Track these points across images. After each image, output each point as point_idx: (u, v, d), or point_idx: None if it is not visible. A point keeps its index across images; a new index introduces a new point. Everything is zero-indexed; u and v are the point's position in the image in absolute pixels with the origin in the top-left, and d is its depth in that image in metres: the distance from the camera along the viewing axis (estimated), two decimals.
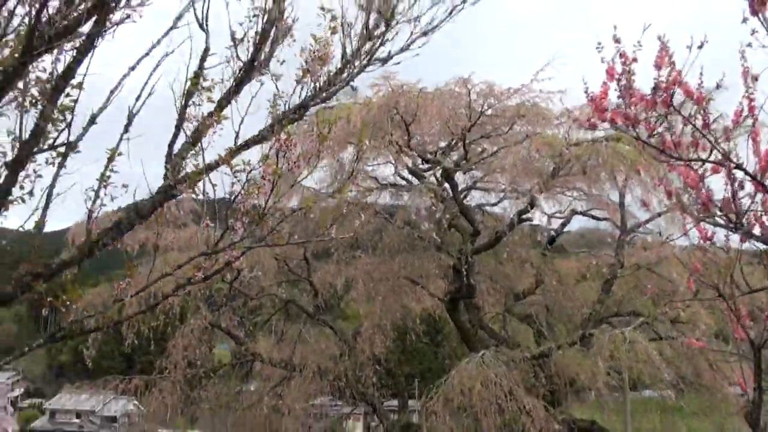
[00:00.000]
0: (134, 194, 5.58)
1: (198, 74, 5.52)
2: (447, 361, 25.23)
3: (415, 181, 21.14)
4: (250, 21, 5.93)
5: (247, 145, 5.66)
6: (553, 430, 15.21)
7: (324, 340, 22.30)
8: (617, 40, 5.34)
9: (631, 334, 15.06)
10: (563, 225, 22.33)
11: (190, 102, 5.55)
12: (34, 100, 5.05)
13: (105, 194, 5.50)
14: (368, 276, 21.90)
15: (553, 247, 22.49)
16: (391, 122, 18.35)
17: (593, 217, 21.73)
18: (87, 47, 4.82)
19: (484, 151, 20.33)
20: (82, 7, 4.59)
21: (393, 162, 20.32)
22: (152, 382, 21.10)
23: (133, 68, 5.57)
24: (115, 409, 76.24)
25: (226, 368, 22.58)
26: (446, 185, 20.04)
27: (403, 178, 21.77)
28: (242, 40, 5.94)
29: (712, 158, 5.73)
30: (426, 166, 20.70)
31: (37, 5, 4.33)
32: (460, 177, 20.91)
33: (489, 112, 19.04)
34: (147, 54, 5.60)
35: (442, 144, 20.66)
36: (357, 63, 6.00)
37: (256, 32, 5.94)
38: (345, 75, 5.91)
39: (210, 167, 5.55)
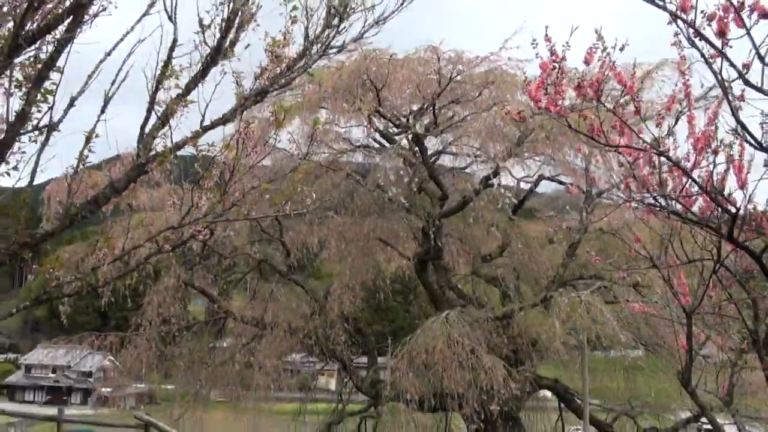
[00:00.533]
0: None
1: (167, 64, 6.08)
2: (417, 320, 25.97)
3: (386, 144, 21.69)
4: (217, 9, 6.46)
5: (212, 126, 6.24)
6: (510, 387, 16.00)
7: (295, 298, 22.87)
8: (548, 39, 5.92)
9: (588, 296, 15.87)
10: (531, 190, 23.05)
11: (160, 87, 6.11)
12: (19, 84, 5.59)
13: (83, 170, 6.09)
14: (340, 236, 22.49)
15: (521, 210, 23.13)
16: (362, 87, 18.89)
17: (560, 182, 22.36)
18: (67, 40, 5.36)
19: (454, 116, 20.93)
20: (61, 8, 5.12)
21: (365, 125, 20.82)
22: (127, 338, 21.68)
23: (108, 54, 6.11)
24: (91, 365, 77.16)
25: (200, 325, 23.24)
26: (416, 149, 20.60)
27: (375, 140, 22.32)
28: (209, 26, 6.48)
29: (642, 144, 6.32)
30: (397, 130, 21.23)
31: (21, 10, 4.87)
32: (431, 141, 21.53)
33: (458, 78, 19.57)
34: (121, 40, 6.14)
35: (415, 107, 21.16)
36: (315, 50, 6.58)
37: (222, 19, 6.48)
38: (302, 63, 6.49)
39: (177, 146, 6.14)
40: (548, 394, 23.95)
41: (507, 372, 16.50)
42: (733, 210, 5.79)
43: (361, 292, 23.04)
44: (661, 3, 5.26)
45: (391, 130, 21.44)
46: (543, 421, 24.93)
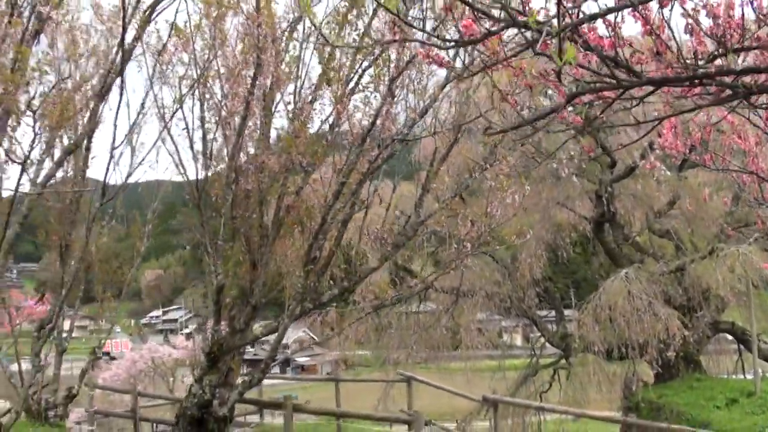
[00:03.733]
0: None
1: None
2: (597, 275, 28.91)
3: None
4: None
5: None
6: (685, 335, 19.03)
7: (486, 266, 26.25)
8: None
9: (746, 249, 18.67)
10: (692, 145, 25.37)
11: None
12: None
13: None
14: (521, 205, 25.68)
15: (688, 161, 25.49)
16: None
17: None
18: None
19: None
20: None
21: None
22: (346, 313, 25.75)
23: None
24: (287, 337, 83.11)
25: (408, 296, 27.08)
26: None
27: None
28: None
29: None
30: None
31: None
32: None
33: None
34: None
35: None
36: None
37: None
38: None
39: None
40: (730, 336, 26.45)
41: (681, 321, 19.48)
42: None
43: (544, 253, 26.21)
44: None
45: None
46: (725, 362, 27.53)
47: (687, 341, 19.93)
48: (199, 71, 10.63)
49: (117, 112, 13.91)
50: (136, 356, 36.38)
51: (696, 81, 3.68)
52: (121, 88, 11.85)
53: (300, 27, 10.85)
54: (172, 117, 11.84)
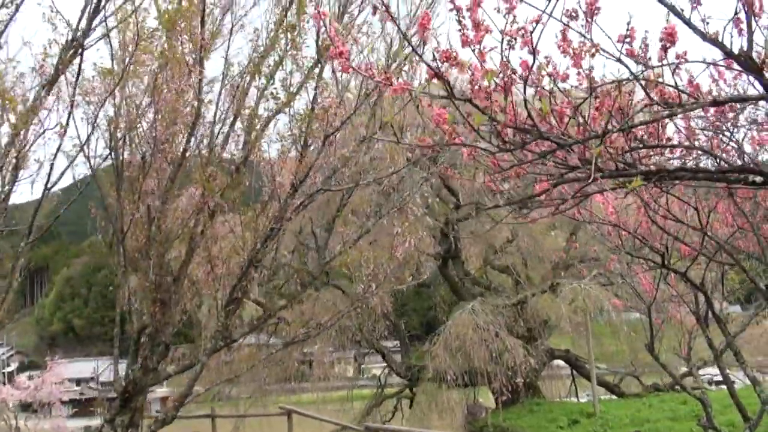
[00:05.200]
0: None
1: None
2: (442, 306, 30.84)
3: None
4: None
5: None
6: (529, 362, 20.87)
7: (334, 299, 27.24)
8: None
9: (587, 284, 20.78)
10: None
11: None
12: None
13: None
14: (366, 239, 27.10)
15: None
16: None
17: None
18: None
19: None
20: None
21: None
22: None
23: None
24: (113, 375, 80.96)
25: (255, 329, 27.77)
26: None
27: None
28: None
29: None
30: None
31: None
32: None
33: None
34: None
35: None
36: None
37: None
38: None
39: None
40: (562, 363, 28.79)
41: (525, 350, 21.32)
42: None
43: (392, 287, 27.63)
44: None
45: None
46: (557, 386, 29.87)
47: (529, 368, 21.79)
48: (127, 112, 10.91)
49: None
50: None
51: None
52: None
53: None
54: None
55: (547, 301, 22.82)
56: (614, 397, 26.59)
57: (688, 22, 3.76)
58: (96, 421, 63.06)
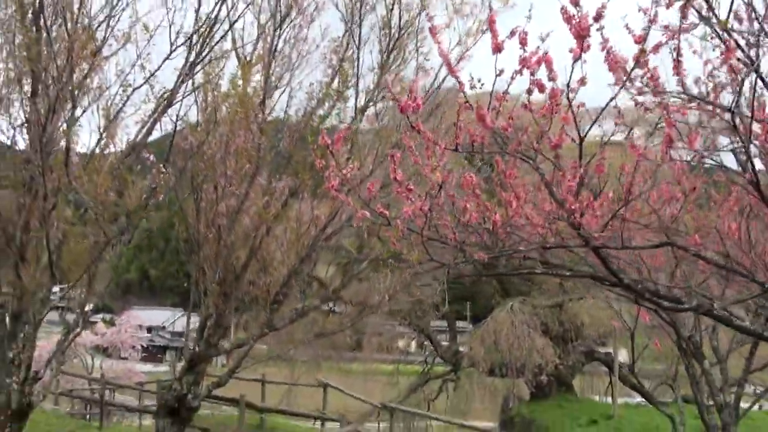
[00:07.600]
0: None
1: None
2: (493, 297, 32.78)
3: None
4: None
5: None
6: (556, 363, 22.94)
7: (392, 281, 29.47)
8: None
9: (617, 292, 22.62)
10: None
11: None
12: None
13: None
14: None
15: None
16: None
17: None
18: None
19: None
20: None
21: None
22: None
23: None
24: (183, 325, 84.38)
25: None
26: None
27: None
28: None
29: None
30: None
31: None
32: None
33: None
34: None
35: None
36: None
37: None
38: None
39: None
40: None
41: (554, 350, 23.34)
42: None
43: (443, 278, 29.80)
44: None
45: None
46: (597, 384, 31.56)
47: (558, 367, 23.79)
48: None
49: None
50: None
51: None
52: None
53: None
54: None
55: (583, 306, 24.72)
56: (643, 402, 28.27)
57: None
58: (163, 367, 66.17)
